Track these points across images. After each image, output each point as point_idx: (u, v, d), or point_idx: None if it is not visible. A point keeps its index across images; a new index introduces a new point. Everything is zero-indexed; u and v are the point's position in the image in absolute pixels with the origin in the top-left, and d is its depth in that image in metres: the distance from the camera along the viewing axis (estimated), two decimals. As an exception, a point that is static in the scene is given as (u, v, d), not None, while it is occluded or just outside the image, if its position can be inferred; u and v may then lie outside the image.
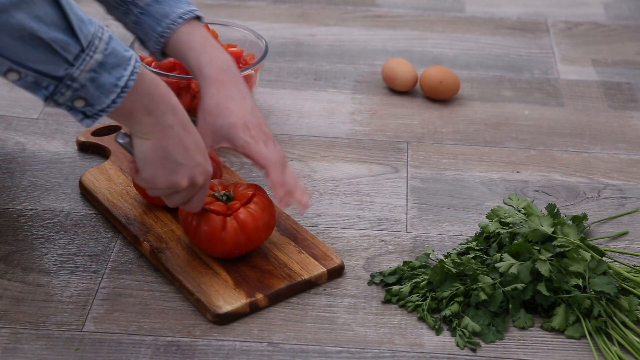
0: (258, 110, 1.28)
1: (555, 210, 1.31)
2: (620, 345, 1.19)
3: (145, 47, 1.34)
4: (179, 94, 1.51)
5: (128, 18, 1.32)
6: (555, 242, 1.24)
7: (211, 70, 1.27)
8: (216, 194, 1.27)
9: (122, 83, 1.06)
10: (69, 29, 1.02)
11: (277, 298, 1.23)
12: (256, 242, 1.26)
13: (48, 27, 1.01)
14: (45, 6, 1.00)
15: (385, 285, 1.27)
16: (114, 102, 1.06)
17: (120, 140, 1.15)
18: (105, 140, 1.50)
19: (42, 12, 1.00)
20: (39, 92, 1.04)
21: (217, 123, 1.25)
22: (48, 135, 1.54)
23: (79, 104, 1.06)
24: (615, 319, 1.20)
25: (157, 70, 1.49)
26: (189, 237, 1.27)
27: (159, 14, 1.29)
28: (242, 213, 1.24)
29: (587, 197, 1.46)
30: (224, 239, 1.23)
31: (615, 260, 1.31)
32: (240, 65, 1.56)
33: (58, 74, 1.03)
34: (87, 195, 1.40)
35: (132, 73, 1.06)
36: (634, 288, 1.24)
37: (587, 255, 1.22)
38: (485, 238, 1.31)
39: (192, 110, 1.53)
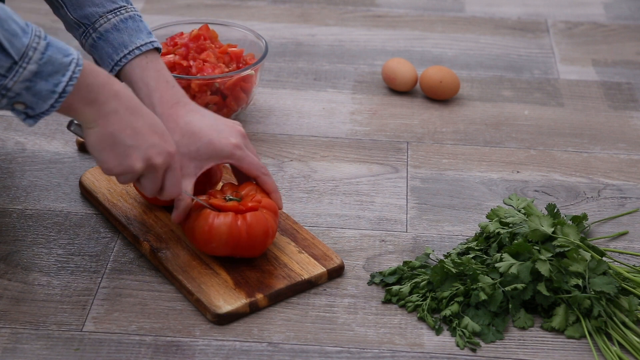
0: (221, 117, 1.30)
1: (555, 210, 1.31)
2: (620, 345, 1.19)
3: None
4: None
5: (85, 40, 1.33)
6: (555, 242, 1.24)
7: (163, 108, 1.28)
8: (225, 197, 1.27)
9: (59, 89, 1.07)
10: None
11: (277, 298, 1.23)
12: (258, 246, 1.25)
13: None
14: None
15: (385, 285, 1.27)
16: (52, 106, 1.08)
17: (72, 128, 1.17)
18: (105, 140, 1.50)
19: None
20: None
21: (191, 150, 1.26)
22: (48, 135, 1.54)
23: (20, 107, 1.08)
24: (615, 319, 1.20)
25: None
26: (184, 232, 1.27)
27: (117, 43, 1.31)
28: (246, 215, 1.24)
29: (587, 197, 1.46)
30: (217, 235, 1.23)
31: (615, 260, 1.31)
32: (240, 65, 1.56)
33: None
34: (87, 195, 1.40)
35: (70, 78, 1.07)
36: (634, 288, 1.24)
37: (587, 255, 1.22)
38: (485, 238, 1.31)
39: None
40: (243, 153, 1.28)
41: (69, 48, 1.09)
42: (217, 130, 1.28)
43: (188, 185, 1.26)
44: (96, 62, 1.34)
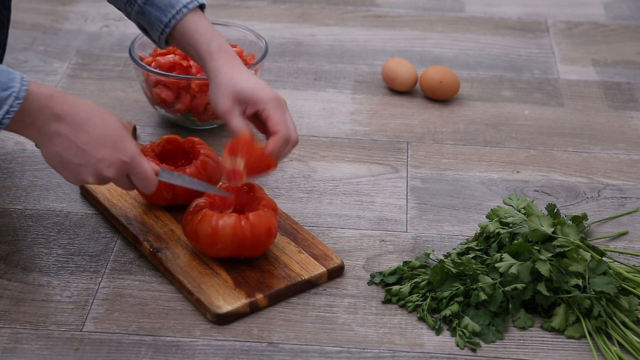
0: (267, 86, 1.32)
1: (555, 210, 1.31)
2: (620, 345, 1.19)
3: (148, 35, 1.38)
4: (178, 94, 1.51)
5: (132, 8, 1.35)
6: (555, 242, 1.24)
7: (222, 52, 1.31)
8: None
9: None
10: None
11: (277, 298, 1.23)
12: (262, 245, 1.25)
13: None
14: None
15: (385, 285, 1.27)
16: None
17: None
18: (105, 140, 1.50)
19: None
20: None
21: (236, 88, 1.28)
22: (48, 135, 1.54)
23: None
24: (615, 319, 1.20)
25: (157, 71, 1.49)
26: (186, 234, 1.27)
27: (163, 4, 1.33)
28: (247, 216, 1.24)
29: (587, 197, 1.46)
30: (219, 237, 1.23)
31: (615, 260, 1.31)
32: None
33: None
34: (87, 195, 1.40)
35: (7, 112, 1.10)
36: (634, 288, 1.24)
37: (587, 255, 1.22)
38: (485, 238, 1.31)
39: (192, 110, 1.53)
40: (281, 106, 1.29)
41: (12, 79, 1.11)
42: (264, 85, 1.30)
43: (239, 123, 1.28)
44: (144, 29, 1.37)
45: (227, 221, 1.23)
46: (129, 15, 1.37)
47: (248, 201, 1.29)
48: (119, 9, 1.38)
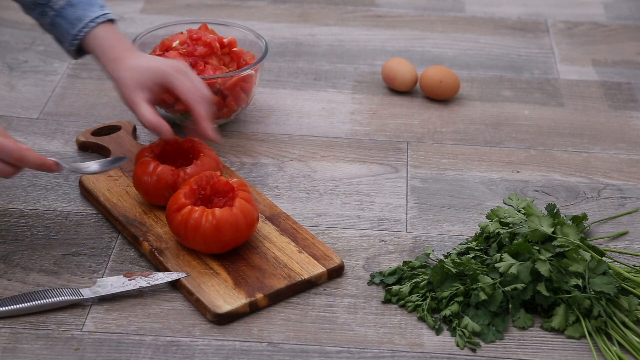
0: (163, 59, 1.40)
1: (555, 210, 1.31)
2: (620, 345, 1.19)
3: (61, 46, 1.43)
4: (177, 98, 1.51)
5: (44, 19, 1.41)
6: (555, 242, 1.24)
7: (115, 52, 1.38)
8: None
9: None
10: None
11: (277, 298, 1.23)
12: (252, 226, 1.26)
13: None
14: None
15: (385, 285, 1.27)
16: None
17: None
18: (105, 140, 1.50)
19: None
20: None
21: (136, 78, 1.35)
22: (48, 135, 1.54)
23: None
24: (615, 319, 1.20)
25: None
26: (186, 241, 1.27)
27: (72, 17, 1.39)
28: (238, 200, 1.26)
29: (587, 197, 1.46)
30: (229, 229, 1.24)
31: (615, 260, 1.31)
32: (241, 65, 1.56)
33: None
34: (87, 195, 1.40)
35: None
36: (634, 288, 1.24)
37: (587, 255, 1.22)
38: (485, 238, 1.31)
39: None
40: (182, 77, 1.36)
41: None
42: (162, 60, 1.38)
43: (146, 111, 1.34)
44: (57, 39, 1.43)
45: (196, 215, 1.25)
46: (43, 27, 1.43)
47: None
48: (34, 19, 1.43)
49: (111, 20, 1.40)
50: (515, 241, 1.25)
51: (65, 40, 1.40)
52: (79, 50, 1.41)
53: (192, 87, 1.36)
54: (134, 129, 1.54)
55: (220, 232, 1.24)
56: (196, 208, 1.25)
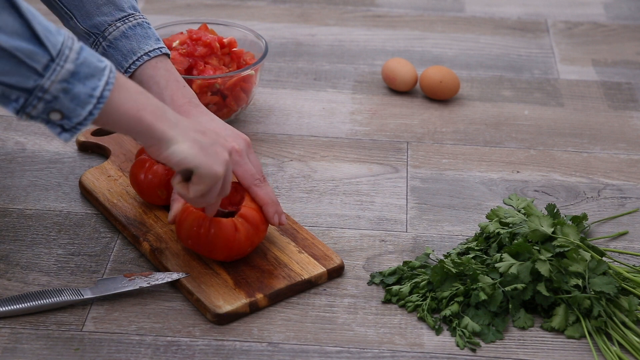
0: (230, 126, 1.30)
1: (555, 210, 1.31)
2: (620, 345, 1.19)
3: None
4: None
5: (96, 49, 1.32)
6: (555, 242, 1.24)
7: (175, 105, 1.28)
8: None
9: (97, 93, 1.04)
10: (34, 37, 1.00)
11: (277, 298, 1.23)
12: (262, 234, 1.26)
13: (9, 36, 0.98)
14: (4, 15, 0.98)
15: (385, 285, 1.27)
16: (90, 114, 1.04)
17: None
18: (105, 140, 1.50)
19: (2, 22, 0.98)
20: (9, 106, 1.02)
21: None
22: (48, 135, 1.54)
23: (55, 116, 1.03)
24: (615, 319, 1.20)
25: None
26: (196, 249, 1.26)
27: (126, 49, 1.30)
28: (244, 209, 1.25)
29: (587, 197, 1.46)
30: (239, 239, 1.23)
31: (615, 260, 1.31)
32: (241, 65, 1.56)
33: (27, 85, 1.01)
34: (87, 195, 1.40)
35: (107, 83, 1.04)
36: (634, 288, 1.24)
37: (587, 255, 1.22)
38: (485, 238, 1.31)
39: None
40: (241, 159, 1.26)
41: (100, 55, 1.07)
42: (223, 134, 1.25)
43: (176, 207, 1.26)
44: None
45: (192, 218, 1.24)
46: None
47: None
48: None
49: (166, 55, 1.33)
50: (515, 241, 1.25)
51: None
52: None
53: (250, 171, 1.26)
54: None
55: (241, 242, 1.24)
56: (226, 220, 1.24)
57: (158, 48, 1.31)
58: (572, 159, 1.55)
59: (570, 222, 1.33)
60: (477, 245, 1.30)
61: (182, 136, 1.11)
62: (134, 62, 1.30)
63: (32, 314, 1.20)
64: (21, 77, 1.00)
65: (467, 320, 1.20)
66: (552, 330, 1.21)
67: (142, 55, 1.30)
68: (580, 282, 1.20)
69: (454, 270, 1.23)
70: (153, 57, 1.31)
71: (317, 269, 1.26)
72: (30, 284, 1.25)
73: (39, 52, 1.00)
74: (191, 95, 1.31)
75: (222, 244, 1.23)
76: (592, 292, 1.20)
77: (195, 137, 1.13)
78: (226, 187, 1.18)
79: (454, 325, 1.20)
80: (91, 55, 1.05)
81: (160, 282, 1.23)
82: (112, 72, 1.05)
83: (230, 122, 1.59)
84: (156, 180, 1.33)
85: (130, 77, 1.31)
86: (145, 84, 1.30)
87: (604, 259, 1.27)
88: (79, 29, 1.32)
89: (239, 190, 1.29)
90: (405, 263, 1.29)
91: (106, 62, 1.06)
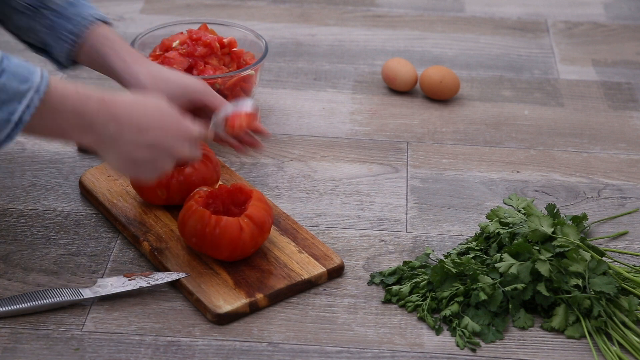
0: (183, 79, 1.33)
1: (555, 210, 1.31)
2: (620, 345, 1.19)
3: (52, 57, 1.35)
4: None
5: (39, 23, 1.32)
6: (555, 242, 1.24)
7: (132, 58, 1.31)
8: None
9: (15, 118, 1.05)
10: None
11: (277, 298, 1.23)
12: (266, 234, 1.26)
13: None
14: None
15: (385, 285, 1.27)
16: (9, 136, 1.05)
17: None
18: (105, 140, 1.50)
19: None
20: None
21: (162, 89, 1.28)
22: (48, 135, 1.54)
23: None
24: (615, 319, 1.20)
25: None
26: (200, 248, 1.26)
27: (75, 15, 1.31)
28: (250, 209, 1.25)
29: (587, 197, 1.46)
30: (244, 239, 1.23)
31: (615, 260, 1.31)
32: (241, 65, 1.56)
33: None
34: (87, 195, 1.40)
35: (27, 106, 1.05)
36: (634, 288, 1.24)
37: (587, 255, 1.22)
38: (485, 238, 1.31)
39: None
40: (210, 88, 1.31)
41: (31, 74, 1.06)
42: (185, 75, 1.32)
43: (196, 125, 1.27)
44: (47, 49, 1.34)
45: (196, 216, 1.24)
46: (29, 35, 1.35)
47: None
48: (16, 32, 1.36)
49: (109, 24, 1.34)
50: (515, 241, 1.25)
51: (64, 42, 1.32)
52: (74, 49, 1.32)
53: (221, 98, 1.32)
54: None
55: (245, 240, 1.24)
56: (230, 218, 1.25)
57: (102, 16, 1.33)
58: (572, 159, 1.55)
59: (570, 222, 1.33)
60: (477, 245, 1.30)
61: (111, 157, 1.14)
62: (83, 24, 1.31)
63: (32, 314, 1.20)
64: None
65: (467, 320, 1.20)
66: (552, 330, 1.21)
67: (88, 16, 1.31)
68: (580, 282, 1.20)
69: (454, 270, 1.23)
70: (99, 24, 1.32)
71: (317, 269, 1.26)
72: (30, 284, 1.25)
73: None
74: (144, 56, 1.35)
75: (226, 244, 1.23)
76: (592, 292, 1.20)
77: (130, 156, 1.13)
78: (184, 158, 1.20)
79: (454, 325, 1.20)
80: (13, 79, 1.05)
81: (160, 282, 1.23)
82: (37, 92, 1.05)
83: (230, 122, 1.59)
84: (157, 180, 1.33)
85: (83, 44, 1.31)
86: (100, 45, 1.31)
87: (604, 259, 1.27)
88: (20, 6, 1.32)
89: (244, 192, 1.29)
90: (405, 263, 1.29)
91: (31, 83, 1.05)
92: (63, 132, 1.09)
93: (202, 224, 1.23)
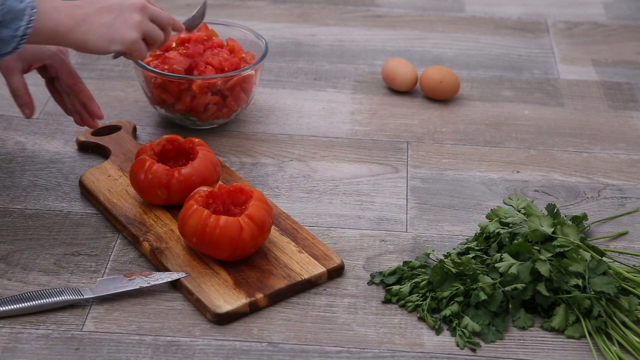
0: None
1: (555, 210, 1.31)
2: (620, 345, 1.19)
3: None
4: (179, 96, 1.51)
5: None
6: (555, 242, 1.24)
7: None
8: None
9: (20, 33, 1.20)
10: None
11: (277, 298, 1.23)
12: (266, 234, 1.26)
13: None
14: None
15: (385, 285, 1.27)
16: (15, 48, 1.21)
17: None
18: (105, 140, 1.50)
19: None
20: None
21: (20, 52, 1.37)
22: (48, 135, 1.54)
23: None
24: (615, 319, 1.20)
25: (156, 70, 1.49)
26: (200, 248, 1.26)
27: None
28: (251, 209, 1.25)
29: (587, 197, 1.46)
30: (244, 239, 1.23)
31: (615, 260, 1.31)
32: (241, 65, 1.56)
33: None
34: (87, 195, 1.40)
35: (28, 22, 1.19)
36: (634, 288, 1.24)
37: (587, 255, 1.22)
38: (485, 238, 1.31)
39: (192, 110, 1.53)
40: (66, 57, 1.40)
41: None
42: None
43: (17, 82, 1.38)
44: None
45: (196, 215, 1.24)
46: None
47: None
48: None
49: None
50: (515, 241, 1.25)
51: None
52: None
53: (73, 70, 1.40)
54: (134, 129, 1.54)
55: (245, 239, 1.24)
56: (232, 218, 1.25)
57: None
58: (572, 159, 1.55)
59: (570, 222, 1.33)
60: (477, 245, 1.30)
61: (90, 32, 1.26)
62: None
63: (32, 314, 1.20)
64: None
65: (467, 320, 1.20)
66: (552, 330, 1.21)
67: None
68: (580, 282, 1.20)
69: (454, 270, 1.23)
70: None
71: (317, 268, 1.26)
72: (30, 284, 1.25)
73: None
74: None
75: (227, 243, 1.23)
76: (592, 292, 1.20)
77: (101, 22, 1.27)
78: (163, 28, 1.34)
79: (454, 325, 1.20)
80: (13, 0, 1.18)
81: (160, 282, 1.23)
82: (32, 9, 1.19)
83: (230, 122, 1.59)
84: (156, 180, 1.33)
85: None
86: None
87: (604, 259, 1.27)
88: None
89: (244, 192, 1.29)
90: (405, 263, 1.29)
91: (26, 1, 1.19)
92: (53, 34, 1.23)
93: (202, 224, 1.23)
